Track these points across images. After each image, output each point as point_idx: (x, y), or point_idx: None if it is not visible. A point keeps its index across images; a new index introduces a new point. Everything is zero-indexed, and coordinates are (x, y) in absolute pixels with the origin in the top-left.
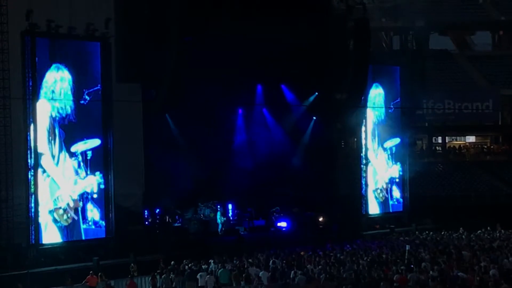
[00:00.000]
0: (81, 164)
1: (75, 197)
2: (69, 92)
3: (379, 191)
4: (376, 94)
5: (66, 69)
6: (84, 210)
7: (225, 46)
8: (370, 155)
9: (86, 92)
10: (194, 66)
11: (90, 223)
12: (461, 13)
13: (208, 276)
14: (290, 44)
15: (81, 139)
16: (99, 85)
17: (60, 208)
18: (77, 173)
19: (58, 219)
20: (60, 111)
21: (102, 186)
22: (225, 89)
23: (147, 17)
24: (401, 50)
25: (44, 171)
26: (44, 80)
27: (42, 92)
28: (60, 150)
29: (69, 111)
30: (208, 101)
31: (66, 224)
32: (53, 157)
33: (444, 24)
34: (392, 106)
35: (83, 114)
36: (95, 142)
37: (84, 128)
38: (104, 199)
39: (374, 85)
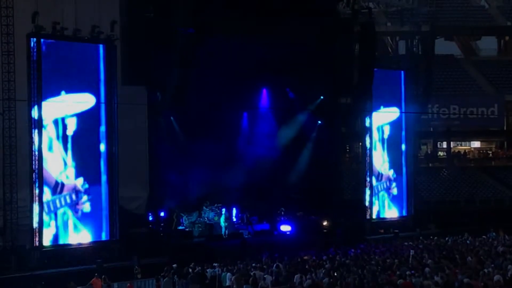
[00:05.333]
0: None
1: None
2: None
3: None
4: None
5: None
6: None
7: (231, 49)
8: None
9: None
10: (200, 69)
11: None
12: (467, 19)
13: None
14: (296, 48)
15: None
16: None
17: None
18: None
19: None
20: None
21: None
22: (231, 92)
23: (152, 19)
24: (406, 54)
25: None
26: None
27: None
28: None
29: None
30: (213, 104)
31: None
32: None
33: (450, 29)
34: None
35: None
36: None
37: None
38: (108, 202)
39: None
